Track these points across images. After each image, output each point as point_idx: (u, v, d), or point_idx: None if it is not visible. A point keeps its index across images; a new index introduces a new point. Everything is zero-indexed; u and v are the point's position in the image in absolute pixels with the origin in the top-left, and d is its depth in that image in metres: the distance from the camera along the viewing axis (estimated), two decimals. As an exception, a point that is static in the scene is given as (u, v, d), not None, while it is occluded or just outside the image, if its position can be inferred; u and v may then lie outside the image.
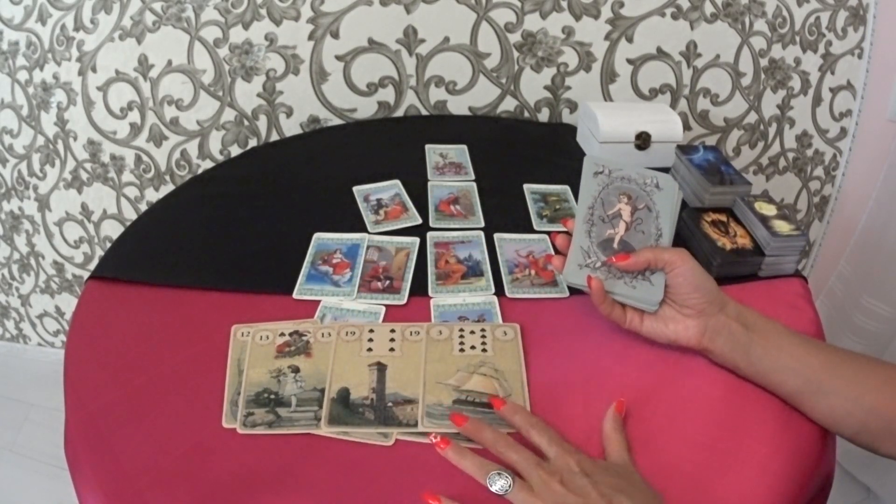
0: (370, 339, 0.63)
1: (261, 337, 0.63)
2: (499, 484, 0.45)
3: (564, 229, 0.64)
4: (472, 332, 0.63)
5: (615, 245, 0.62)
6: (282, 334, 0.63)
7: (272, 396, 0.57)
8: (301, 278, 0.71)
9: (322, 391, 0.58)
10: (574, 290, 0.70)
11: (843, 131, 1.25)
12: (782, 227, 0.72)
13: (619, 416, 0.54)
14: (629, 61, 1.12)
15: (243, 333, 0.63)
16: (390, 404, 0.57)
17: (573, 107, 1.16)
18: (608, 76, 1.14)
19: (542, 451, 0.49)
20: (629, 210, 0.63)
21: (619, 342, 0.63)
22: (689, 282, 0.57)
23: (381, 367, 0.60)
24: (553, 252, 0.74)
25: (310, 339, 0.63)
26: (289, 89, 1.14)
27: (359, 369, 0.60)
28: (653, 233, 0.62)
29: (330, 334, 0.63)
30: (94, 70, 1.15)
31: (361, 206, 0.85)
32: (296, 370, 0.60)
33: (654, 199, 0.63)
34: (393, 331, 0.64)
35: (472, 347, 0.62)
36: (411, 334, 0.63)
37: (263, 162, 0.99)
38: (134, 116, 1.19)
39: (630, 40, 1.10)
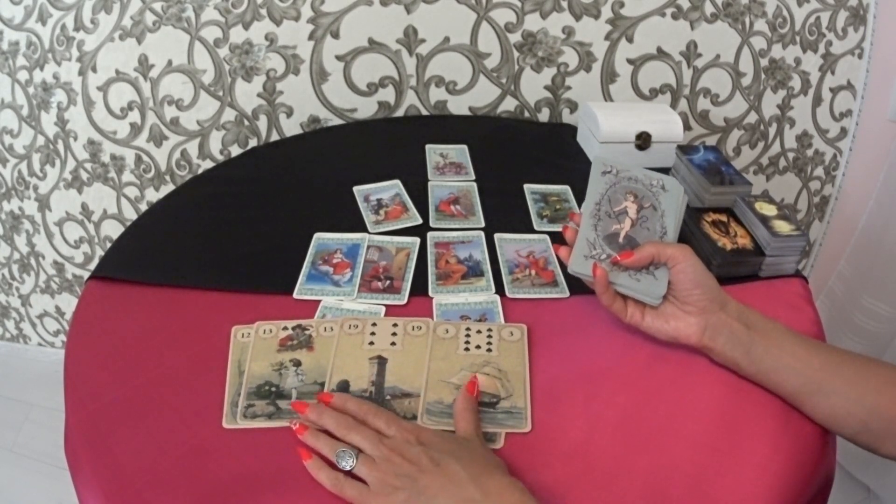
0: (372, 333, 0.63)
1: (264, 331, 0.63)
2: (345, 461, 0.49)
3: (568, 227, 0.64)
4: (479, 332, 0.63)
5: (620, 240, 0.62)
6: (284, 328, 0.63)
7: (273, 389, 0.58)
8: (301, 278, 0.71)
9: (322, 385, 0.58)
10: (574, 290, 0.70)
11: (844, 131, 1.25)
12: (782, 227, 0.72)
13: (471, 396, 0.55)
14: (629, 61, 1.12)
15: (244, 335, 0.63)
16: (388, 397, 0.57)
17: (573, 107, 1.16)
18: (608, 76, 1.14)
19: (383, 431, 0.51)
20: (635, 208, 0.64)
21: (619, 342, 0.63)
22: (691, 278, 0.58)
23: (381, 361, 0.60)
24: (556, 252, 0.75)
25: (312, 333, 0.63)
26: (289, 89, 1.14)
27: (359, 362, 0.60)
28: (657, 230, 0.63)
29: (332, 329, 0.63)
30: (94, 70, 1.15)
31: (361, 206, 0.85)
32: (297, 364, 0.60)
33: (659, 200, 0.64)
34: (395, 325, 0.64)
35: (478, 347, 0.62)
36: (413, 329, 0.63)
37: (263, 162, 0.99)
38: (134, 116, 1.19)
39: (630, 40, 1.10)
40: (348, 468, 0.49)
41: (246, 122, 1.18)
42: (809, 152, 1.27)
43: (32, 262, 1.47)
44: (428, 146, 1.00)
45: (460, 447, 0.49)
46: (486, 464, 0.48)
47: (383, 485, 0.47)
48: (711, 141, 1.23)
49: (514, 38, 1.10)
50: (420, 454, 0.48)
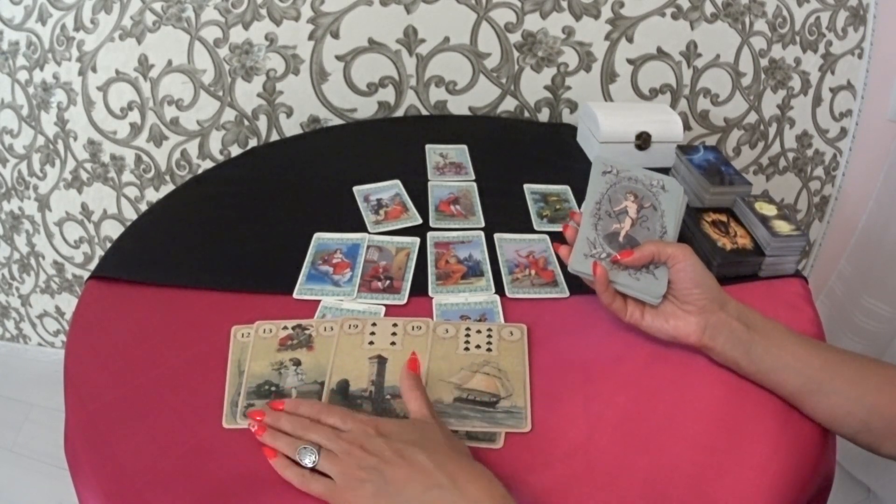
0: (372, 333, 0.63)
1: (264, 331, 0.63)
2: (307, 458, 0.49)
3: (568, 225, 0.64)
4: (479, 332, 0.64)
5: (620, 239, 0.63)
6: (284, 328, 0.64)
7: (273, 388, 0.58)
8: (301, 278, 0.71)
9: (322, 384, 0.58)
10: (574, 290, 0.70)
11: (843, 131, 1.25)
12: (782, 227, 0.72)
13: (415, 374, 0.55)
14: (629, 61, 1.12)
15: (244, 335, 0.63)
16: (388, 397, 0.57)
17: (573, 107, 1.16)
18: (608, 76, 1.14)
19: (339, 427, 0.51)
20: (635, 208, 0.64)
21: (618, 342, 0.63)
22: (690, 277, 0.58)
23: (381, 361, 0.60)
24: (556, 251, 0.75)
25: (312, 332, 0.63)
26: (289, 89, 1.14)
27: (359, 362, 0.60)
28: (657, 230, 0.63)
29: (332, 328, 0.63)
30: (94, 70, 1.15)
31: (361, 206, 0.85)
32: (297, 363, 0.60)
33: (659, 200, 0.64)
34: (395, 325, 0.64)
35: (478, 347, 0.62)
36: (413, 329, 0.64)
37: (263, 162, 0.98)
38: (134, 116, 1.19)
39: (630, 40, 1.10)
40: (311, 465, 0.49)
41: (246, 122, 1.18)
42: (809, 152, 1.27)
43: (32, 262, 1.47)
44: (428, 146, 1.00)
45: (422, 435, 0.49)
46: (450, 450, 0.48)
47: (348, 478, 0.47)
48: (711, 141, 1.23)
49: (514, 38, 1.10)
50: (383, 446, 0.47)
